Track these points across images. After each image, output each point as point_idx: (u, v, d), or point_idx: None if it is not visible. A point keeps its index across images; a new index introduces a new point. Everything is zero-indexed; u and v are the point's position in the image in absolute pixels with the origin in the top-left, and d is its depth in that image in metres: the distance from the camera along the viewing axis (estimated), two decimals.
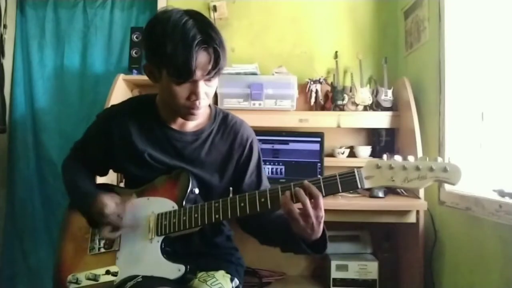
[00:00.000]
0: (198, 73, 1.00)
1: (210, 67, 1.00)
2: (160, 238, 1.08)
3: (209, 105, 1.20)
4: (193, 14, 1.02)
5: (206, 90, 1.06)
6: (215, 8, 2.35)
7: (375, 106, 2.13)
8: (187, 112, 1.08)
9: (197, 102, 1.05)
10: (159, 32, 1.00)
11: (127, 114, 1.18)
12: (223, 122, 1.22)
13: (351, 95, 2.16)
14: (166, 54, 0.98)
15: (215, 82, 1.08)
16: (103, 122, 1.21)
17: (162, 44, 0.98)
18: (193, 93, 1.04)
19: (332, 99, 2.16)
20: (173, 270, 1.05)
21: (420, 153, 1.81)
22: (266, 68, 2.24)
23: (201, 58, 0.99)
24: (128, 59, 2.31)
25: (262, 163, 1.26)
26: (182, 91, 1.03)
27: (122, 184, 1.50)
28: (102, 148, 1.19)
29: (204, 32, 0.99)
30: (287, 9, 2.39)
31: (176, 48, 0.97)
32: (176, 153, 1.16)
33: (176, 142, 1.16)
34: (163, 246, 1.08)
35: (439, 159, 0.91)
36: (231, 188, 1.22)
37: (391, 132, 2.16)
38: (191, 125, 1.18)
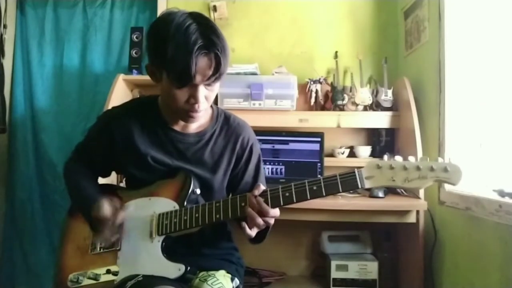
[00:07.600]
0: (198, 78, 1.00)
1: (210, 72, 1.00)
2: (161, 238, 1.08)
3: (211, 106, 1.20)
4: (197, 17, 1.01)
5: (206, 94, 1.06)
6: (215, 8, 2.35)
7: (375, 106, 2.13)
8: (186, 114, 1.08)
9: (196, 106, 1.05)
10: (161, 34, 0.99)
11: (128, 115, 1.18)
12: (226, 123, 1.22)
13: (351, 95, 2.16)
14: (166, 57, 0.98)
15: (216, 86, 1.07)
16: (104, 124, 1.20)
17: (163, 47, 0.97)
18: (192, 97, 1.04)
19: (332, 99, 2.16)
20: (173, 270, 1.05)
21: (420, 153, 1.81)
22: (266, 68, 2.24)
23: (201, 63, 0.98)
24: (128, 59, 2.31)
25: (262, 165, 1.27)
26: (181, 94, 1.03)
27: (122, 184, 1.50)
28: (103, 150, 1.19)
29: (206, 37, 0.98)
30: (287, 9, 2.39)
31: (177, 52, 0.96)
32: (179, 154, 1.16)
33: (178, 143, 1.16)
34: (164, 246, 1.08)
35: (440, 159, 0.92)
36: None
37: (391, 132, 2.16)
38: (194, 127, 1.18)
